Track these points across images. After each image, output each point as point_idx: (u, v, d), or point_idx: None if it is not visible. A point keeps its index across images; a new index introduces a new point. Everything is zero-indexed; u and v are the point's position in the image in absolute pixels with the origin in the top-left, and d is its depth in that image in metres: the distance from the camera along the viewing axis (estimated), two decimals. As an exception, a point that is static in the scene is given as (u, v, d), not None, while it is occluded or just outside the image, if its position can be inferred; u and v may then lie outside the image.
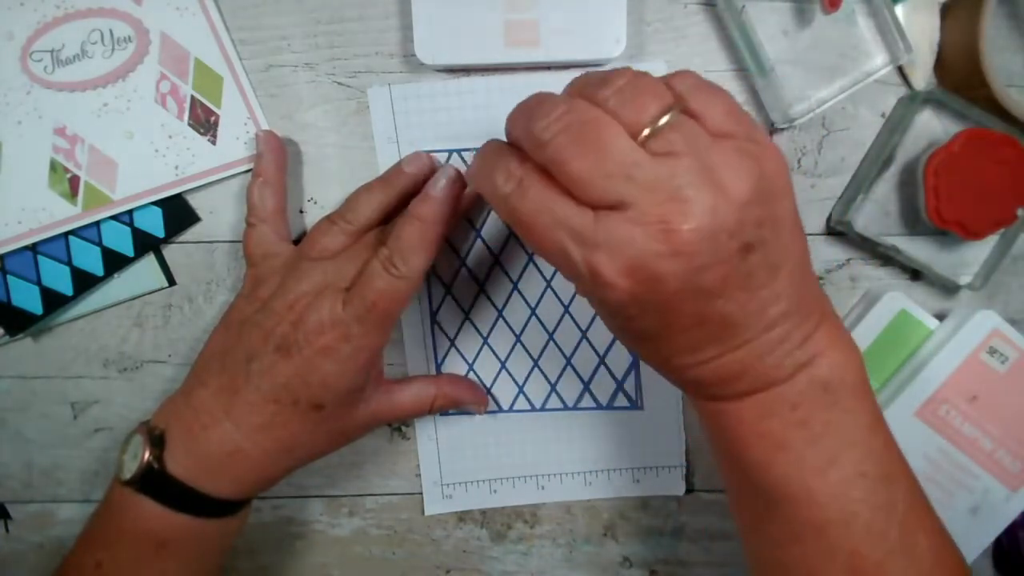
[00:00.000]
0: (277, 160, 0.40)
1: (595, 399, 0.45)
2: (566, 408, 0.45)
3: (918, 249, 0.43)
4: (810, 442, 0.30)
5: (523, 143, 0.28)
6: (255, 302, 0.38)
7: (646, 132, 0.26)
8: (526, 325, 0.44)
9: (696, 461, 0.46)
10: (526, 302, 0.44)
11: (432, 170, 0.40)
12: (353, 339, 0.35)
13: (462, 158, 0.42)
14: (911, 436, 0.41)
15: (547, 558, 0.48)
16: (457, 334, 0.44)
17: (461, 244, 0.43)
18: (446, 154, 0.42)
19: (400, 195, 0.39)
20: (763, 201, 0.27)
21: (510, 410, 0.45)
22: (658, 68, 0.41)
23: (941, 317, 0.43)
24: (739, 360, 0.29)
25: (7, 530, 0.47)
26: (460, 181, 0.36)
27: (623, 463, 0.46)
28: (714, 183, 0.26)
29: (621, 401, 0.45)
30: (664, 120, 0.26)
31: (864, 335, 0.42)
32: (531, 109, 0.28)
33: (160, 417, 0.37)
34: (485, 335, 0.44)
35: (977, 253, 0.43)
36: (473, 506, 0.47)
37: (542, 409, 0.45)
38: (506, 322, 0.44)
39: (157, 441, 0.36)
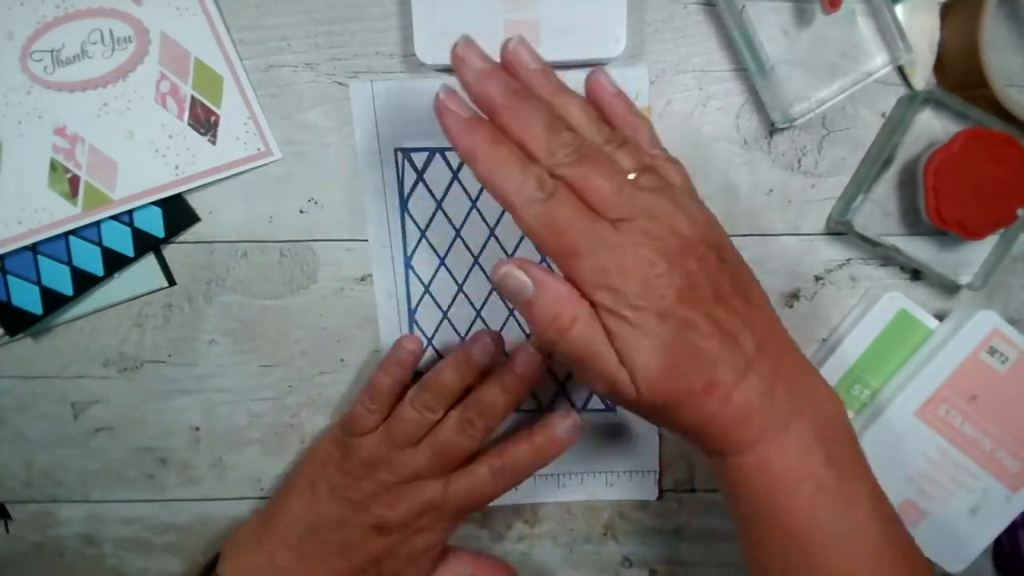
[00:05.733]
0: (413, 363, 0.42)
1: (570, 401, 0.45)
2: (541, 409, 0.45)
3: (918, 249, 0.43)
4: (839, 480, 0.31)
5: (540, 151, 0.31)
6: (347, 476, 0.41)
7: (632, 175, 0.32)
8: (503, 325, 0.44)
9: (696, 461, 0.46)
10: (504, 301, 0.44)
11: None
12: (445, 518, 0.41)
13: (444, 157, 0.42)
14: (911, 436, 0.41)
15: (547, 558, 0.48)
16: (438, 328, 0.44)
17: (447, 242, 0.44)
18: (426, 153, 0.42)
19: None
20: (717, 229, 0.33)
21: None
22: (640, 74, 0.41)
23: (941, 317, 0.43)
24: (754, 388, 0.30)
25: (7, 530, 0.47)
26: (536, 357, 0.40)
27: (596, 467, 0.46)
28: (686, 211, 0.31)
29: (596, 404, 0.45)
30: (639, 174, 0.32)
31: (864, 335, 0.42)
32: (536, 118, 0.31)
33: (234, 569, 0.41)
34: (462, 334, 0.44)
35: (977, 253, 0.43)
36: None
37: (522, 410, 0.45)
38: (484, 321, 0.44)
39: None
